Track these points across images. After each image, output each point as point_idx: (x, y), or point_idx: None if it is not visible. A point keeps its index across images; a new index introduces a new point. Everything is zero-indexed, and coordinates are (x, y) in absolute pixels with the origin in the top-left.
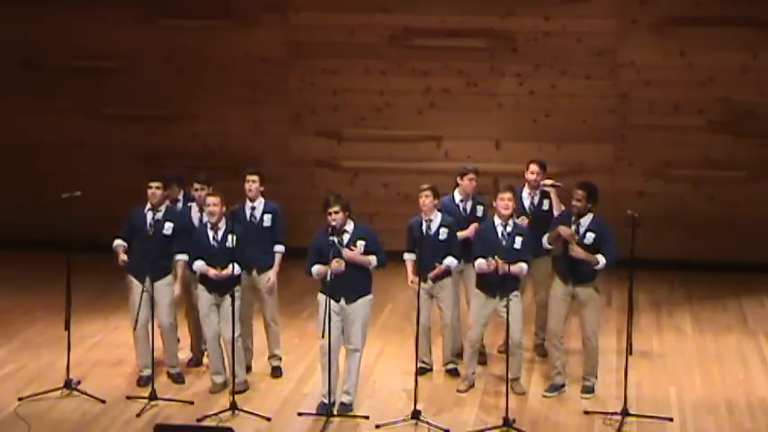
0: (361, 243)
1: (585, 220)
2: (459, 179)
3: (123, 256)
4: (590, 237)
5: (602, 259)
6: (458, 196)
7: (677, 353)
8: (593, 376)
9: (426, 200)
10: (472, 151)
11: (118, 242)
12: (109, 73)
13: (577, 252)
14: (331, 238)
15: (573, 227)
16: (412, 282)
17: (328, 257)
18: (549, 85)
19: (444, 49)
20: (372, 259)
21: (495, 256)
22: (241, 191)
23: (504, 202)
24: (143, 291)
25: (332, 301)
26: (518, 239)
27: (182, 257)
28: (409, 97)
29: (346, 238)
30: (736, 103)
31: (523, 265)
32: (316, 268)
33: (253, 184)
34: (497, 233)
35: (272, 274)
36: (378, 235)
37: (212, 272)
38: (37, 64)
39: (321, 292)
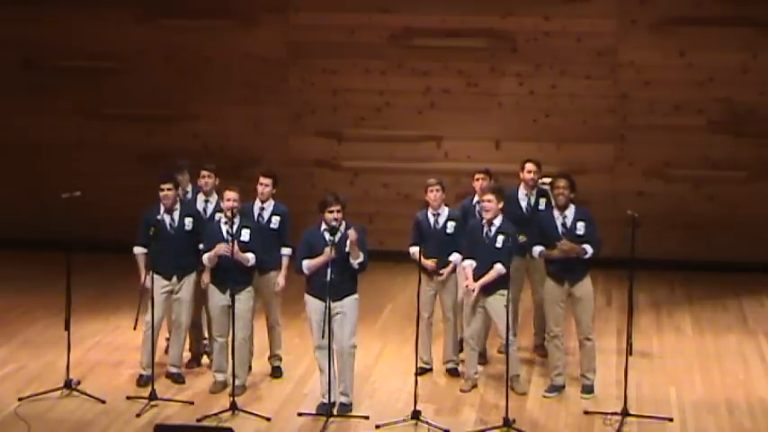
0: (353, 232)
1: (570, 211)
2: (473, 181)
3: (145, 279)
4: (581, 226)
5: (589, 249)
6: (476, 198)
7: (677, 353)
8: (591, 372)
9: (437, 194)
10: (472, 151)
11: (138, 250)
12: (109, 73)
13: (564, 251)
14: (330, 238)
15: (560, 219)
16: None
17: (321, 253)
18: (549, 85)
19: (444, 49)
20: (361, 256)
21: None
22: (242, 191)
23: (484, 203)
24: (143, 289)
25: (319, 302)
26: (499, 239)
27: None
28: (409, 97)
29: (338, 237)
30: (736, 103)
31: (499, 267)
32: (306, 262)
33: (266, 187)
34: (482, 232)
35: (281, 279)
36: (366, 237)
37: (221, 247)
38: (37, 64)
39: (308, 293)
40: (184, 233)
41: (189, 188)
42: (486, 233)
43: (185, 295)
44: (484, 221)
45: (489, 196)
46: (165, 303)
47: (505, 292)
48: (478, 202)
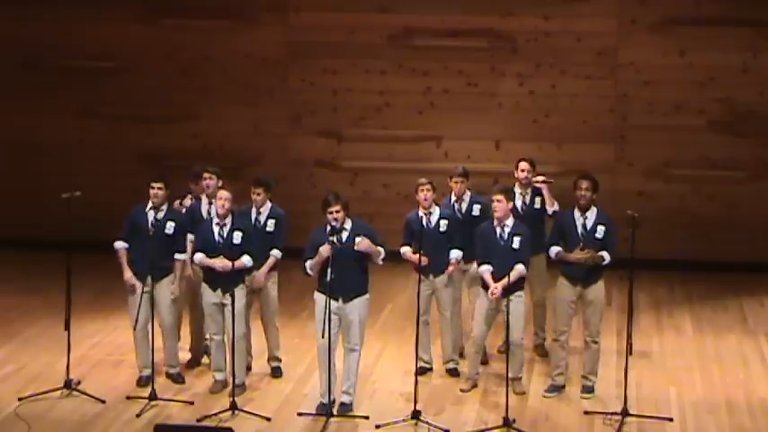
0: (359, 240)
1: (592, 213)
2: (450, 183)
3: (129, 274)
4: (601, 230)
5: (606, 256)
6: (453, 198)
7: (677, 353)
8: (593, 375)
9: (428, 194)
10: (472, 151)
11: (119, 245)
12: (109, 73)
13: (583, 259)
14: (331, 238)
15: (580, 220)
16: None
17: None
18: (549, 85)
19: (444, 49)
20: (381, 250)
21: (496, 285)
22: (241, 191)
23: (494, 204)
24: (143, 291)
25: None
26: (516, 240)
27: (181, 257)
28: (409, 97)
29: (345, 235)
30: (736, 103)
31: (521, 268)
32: (309, 263)
33: (258, 196)
34: (496, 234)
35: (259, 274)
36: (376, 231)
37: (218, 263)
38: (37, 64)
39: (318, 291)
40: (163, 235)
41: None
42: (500, 235)
43: (163, 299)
44: (495, 223)
45: (499, 196)
46: (147, 304)
47: (522, 294)
48: (456, 202)
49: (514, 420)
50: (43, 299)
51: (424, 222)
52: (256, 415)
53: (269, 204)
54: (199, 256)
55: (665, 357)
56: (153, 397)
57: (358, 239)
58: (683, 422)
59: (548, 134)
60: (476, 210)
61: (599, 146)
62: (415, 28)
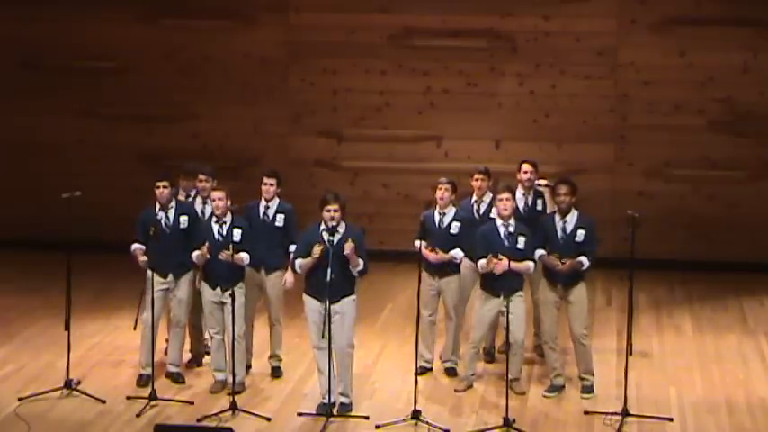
0: (348, 244)
1: (572, 217)
2: (472, 181)
3: (143, 257)
4: (581, 234)
5: (585, 261)
6: (474, 197)
7: (677, 353)
8: (590, 374)
9: (445, 193)
10: (472, 151)
11: (136, 246)
12: (109, 73)
13: (563, 270)
14: (330, 238)
15: (560, 224)
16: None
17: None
18: (549, 85)
19: (444, 49)
20: (361, 263)
21: (498, 254)
22: (241, 191)
23: (503, 202)
24: (143, 291)
25: (317, 302)
26: (521, 239)
27: (196, 253)
28: (409, 97)
29: (337, 237)
30: (736, 103)
31: (530, 263)
32: (299, 262)
33: (270, 187)
34: (499, 234)
35: (288, 276)
36: (365, 242)
37: (224, 254)
38: (37, 64)
39: (306, 293)
40: (179, 231)
41: (193, 192)
42: (505, 235)
43: (182, 294)
44: (499, 223)
45: (507, 195)
46: (162, 301)
47: (522, 293)
48: (476, 202)
49: (514, 420)
50: (43, 299)
51: (436, 221)
52: (256, 415)
53: (276, 200)
54: (196, 254)
55: (665, 357)
56: (153, 397)
57: (348, 244)
58: (683, 422)
59: (548, 134)
60: (494, 213)
61: (599, 146)
62: (415, 28)
